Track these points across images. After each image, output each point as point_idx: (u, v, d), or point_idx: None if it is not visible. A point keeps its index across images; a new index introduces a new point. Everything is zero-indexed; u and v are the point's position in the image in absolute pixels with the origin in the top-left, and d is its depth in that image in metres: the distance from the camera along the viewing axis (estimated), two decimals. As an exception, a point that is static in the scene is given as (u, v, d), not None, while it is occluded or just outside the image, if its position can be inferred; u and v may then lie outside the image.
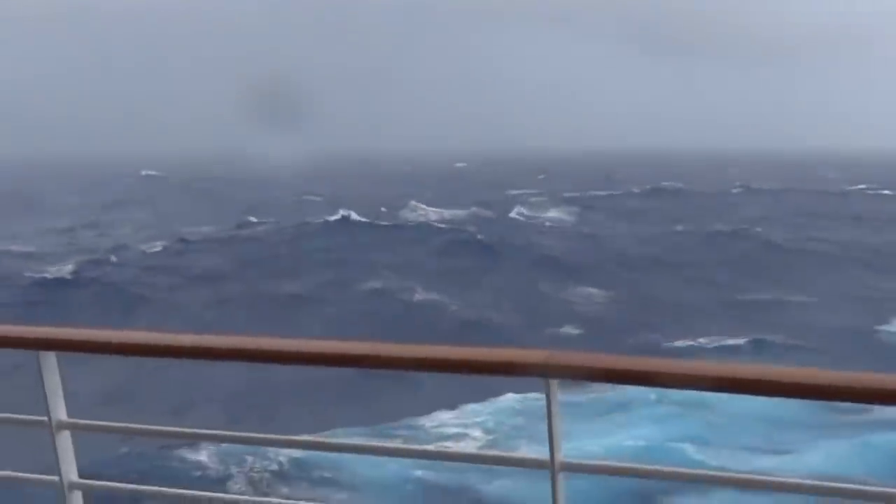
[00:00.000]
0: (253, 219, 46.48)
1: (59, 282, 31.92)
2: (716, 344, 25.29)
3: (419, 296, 30.43)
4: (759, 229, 43.81)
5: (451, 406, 18.81)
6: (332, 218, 43.73)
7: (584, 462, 2.30)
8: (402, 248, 36.98)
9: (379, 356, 2.39)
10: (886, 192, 70.98)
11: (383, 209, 50.11)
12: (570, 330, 27.60)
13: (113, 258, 35.88)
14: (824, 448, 16.53)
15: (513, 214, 51.60)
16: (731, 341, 25.28)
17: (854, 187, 73.87)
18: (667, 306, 29.56)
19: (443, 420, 18.54)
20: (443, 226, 44.60)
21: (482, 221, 46.93)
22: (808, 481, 2.18)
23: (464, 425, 18.22)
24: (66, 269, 33.39)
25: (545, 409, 2.15)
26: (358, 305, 28.98)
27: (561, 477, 2.18)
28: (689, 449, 16.48)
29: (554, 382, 2.13)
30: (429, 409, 18.70)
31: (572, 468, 2.21)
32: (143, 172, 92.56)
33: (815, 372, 2.04)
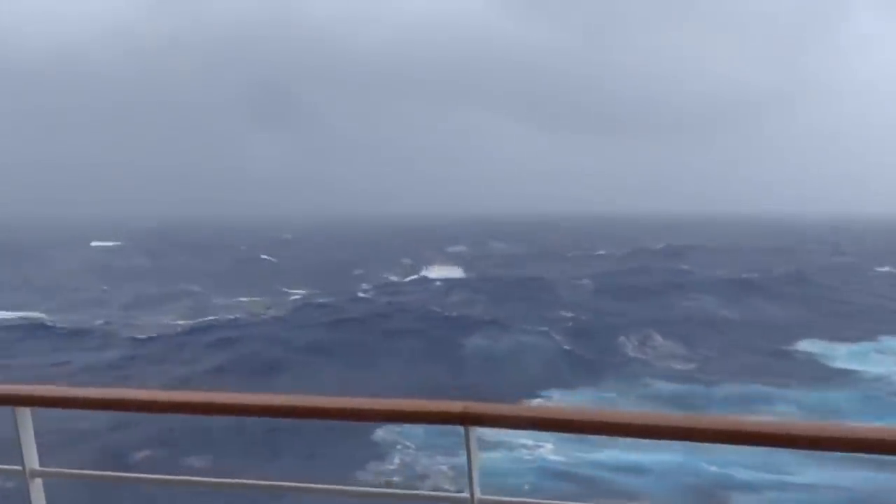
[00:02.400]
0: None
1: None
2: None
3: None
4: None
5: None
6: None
7: (500, 499, 2.46)
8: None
9: (314, 408, 2.53)
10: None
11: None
12: (565, 313, 37.09)
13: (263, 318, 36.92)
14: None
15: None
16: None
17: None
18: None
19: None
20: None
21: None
22: None
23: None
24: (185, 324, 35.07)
25: (465, 452, 2.37)
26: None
27: None
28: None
29: (472, 429, 2.35)
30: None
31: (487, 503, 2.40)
32: (94, 244, 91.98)
33: (699, 417, 2.25)
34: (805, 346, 33.68)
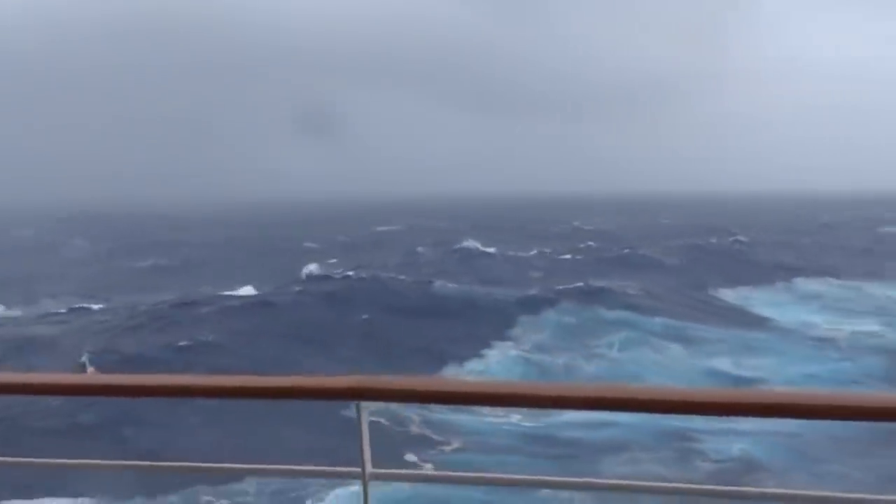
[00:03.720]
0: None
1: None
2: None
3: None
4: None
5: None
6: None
7: (391, 471, 2.52)
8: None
9: (204, 386, 2.55)
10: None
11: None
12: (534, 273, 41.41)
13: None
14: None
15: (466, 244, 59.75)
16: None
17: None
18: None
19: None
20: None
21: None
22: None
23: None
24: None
25: (357, 428, 2.35)
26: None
27: (371, 485, 2.42)
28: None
29: (364, 405, 2.34)
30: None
31: (380, 477, 2.44)
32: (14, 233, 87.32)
33: (609, 385, 2.30)
34: (730, 292, 38.49)
